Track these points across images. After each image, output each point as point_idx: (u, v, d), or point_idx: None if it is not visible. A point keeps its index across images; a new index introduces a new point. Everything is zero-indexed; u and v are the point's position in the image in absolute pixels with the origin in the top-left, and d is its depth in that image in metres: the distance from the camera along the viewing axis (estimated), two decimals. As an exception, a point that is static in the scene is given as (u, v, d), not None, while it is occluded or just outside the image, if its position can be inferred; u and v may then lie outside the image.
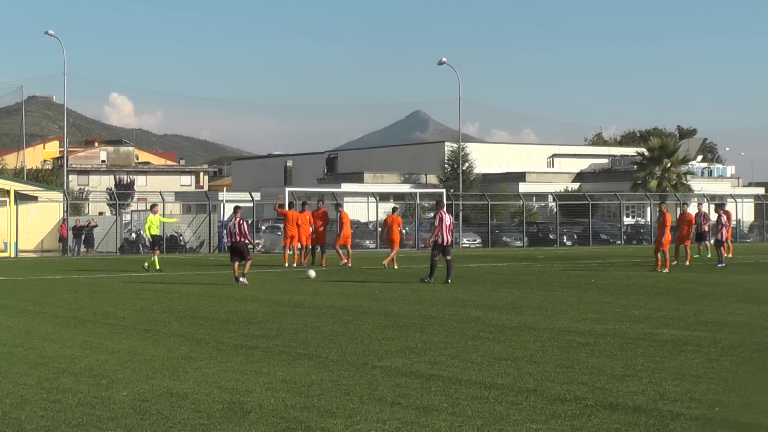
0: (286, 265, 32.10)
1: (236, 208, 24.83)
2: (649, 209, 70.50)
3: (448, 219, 24.44)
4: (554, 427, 7.65)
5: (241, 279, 23.16)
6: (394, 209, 35.49)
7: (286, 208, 34.39)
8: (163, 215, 53.25)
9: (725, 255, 32.76)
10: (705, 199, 61.39)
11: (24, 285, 25.12)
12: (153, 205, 35.15)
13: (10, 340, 13.19)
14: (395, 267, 31.08)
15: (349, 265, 32.70)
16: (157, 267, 30.77)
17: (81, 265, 36.46)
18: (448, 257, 24.19)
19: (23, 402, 8.77)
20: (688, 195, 71.75)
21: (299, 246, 32.97)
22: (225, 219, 24.75)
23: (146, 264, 31.12)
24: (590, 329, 13.81)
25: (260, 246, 52.29)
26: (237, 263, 23.59)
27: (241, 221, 23.91)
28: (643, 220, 72.35)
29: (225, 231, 26.52)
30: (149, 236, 32.40)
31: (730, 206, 71.25)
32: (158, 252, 32.38)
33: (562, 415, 8.04)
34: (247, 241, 23.80)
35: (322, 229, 33.24)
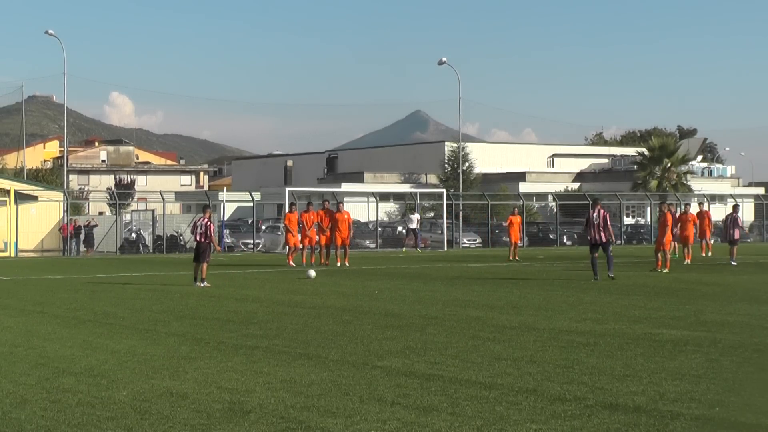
0: (292, 264, 32.26)
1: (205, 207, 24.59)
2: (649, 209, 70.51)
3: (596, 217, 24.62)
4: (554, 427, 7.65)
5: (203, 283, 22.75)
6: (514, 210, 40.53)
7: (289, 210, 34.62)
8: (159, 216, 53.39)
9: (707, 254, 33.56)
10: (705, 199, 61.37)
11: (24, 285, 25.11)
12: None
13: (10, 340, 13.18)
14: (517, 259, 37.14)
15: (347, 264, 32.81)
16: None
17: (81, 265, 36.46)
18: (609, 252, 24.53)
19: (23, 402, 8.77)
20: (688, 195, 71.76)
21: (301, 246, 33.15)
22: (196, 217, 24.42)
23: None
24: (590, 329, 13.81)
25: (260, 246, 52.38)
26: (197, 264, 23.25)
27: (209, 222, 23.58)
28: (643, 220, 72.35)
29: (190, 228, 26.17)
30: None
31: (730, 206, 71.36)
32: None
33: (562, 415, 8.04)
34: (210, 243, 23.37)
35: (328, 229, 33.31)
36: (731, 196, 72.59)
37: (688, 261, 33.36)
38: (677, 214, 33.42)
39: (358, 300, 19.27)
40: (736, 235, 33.06)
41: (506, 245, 57.32)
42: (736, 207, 34.29)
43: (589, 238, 24.86)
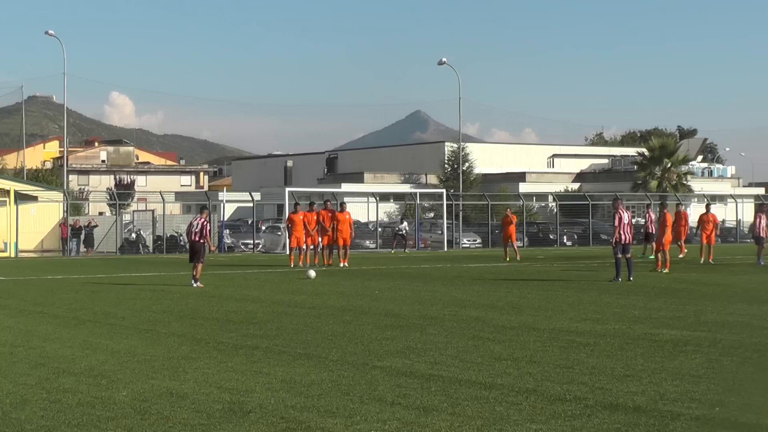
0: (291, 265, 32.31)
1: (202, 208, 24.55)
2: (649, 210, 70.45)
3: (626, 217, 24.21)
4: (554, 427, 7.65)
5: (196, 284, 22.72)
6: (507, 210, 40.65)
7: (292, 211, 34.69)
8: (159, 216, 53.40)
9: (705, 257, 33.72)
10: (705, 199, 61.36)
11: (24, 285, 25.11)
12: None
13: (10, 340, 13.18)
14: (518, 259, 36.94)
15: (346, 264, 32.80)
16: None
17: (81, 265, 36.46)
18: (628, 255, 24.08)
19: (23, 402, 8.77)
20: (689, 195, 71.74)
21: (305, 247, 33.18)
22: (192, 218, 24.25)
23: None
24: (590, 329, 13.81)
25: (260, 246, 52.39)
26: (193, 264, 23.21)
27: (205, 222, 23.52)
28: (644, 221, 72.30)
29: (186, 229, 26.09)
30: None
31: (730, 207, 71.40)
32: None
33: (562, 415, 8.04)
34: (205, 243, 23.22)
35: (330, 229, 33.28)
36: (731, 196, 72.58)
37: (704, 260, 33.51)
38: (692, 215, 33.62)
39: (358, 300, 19.27)
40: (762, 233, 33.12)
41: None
42: (762, 206, 34.22)
43: (618, 238, 23.97)
